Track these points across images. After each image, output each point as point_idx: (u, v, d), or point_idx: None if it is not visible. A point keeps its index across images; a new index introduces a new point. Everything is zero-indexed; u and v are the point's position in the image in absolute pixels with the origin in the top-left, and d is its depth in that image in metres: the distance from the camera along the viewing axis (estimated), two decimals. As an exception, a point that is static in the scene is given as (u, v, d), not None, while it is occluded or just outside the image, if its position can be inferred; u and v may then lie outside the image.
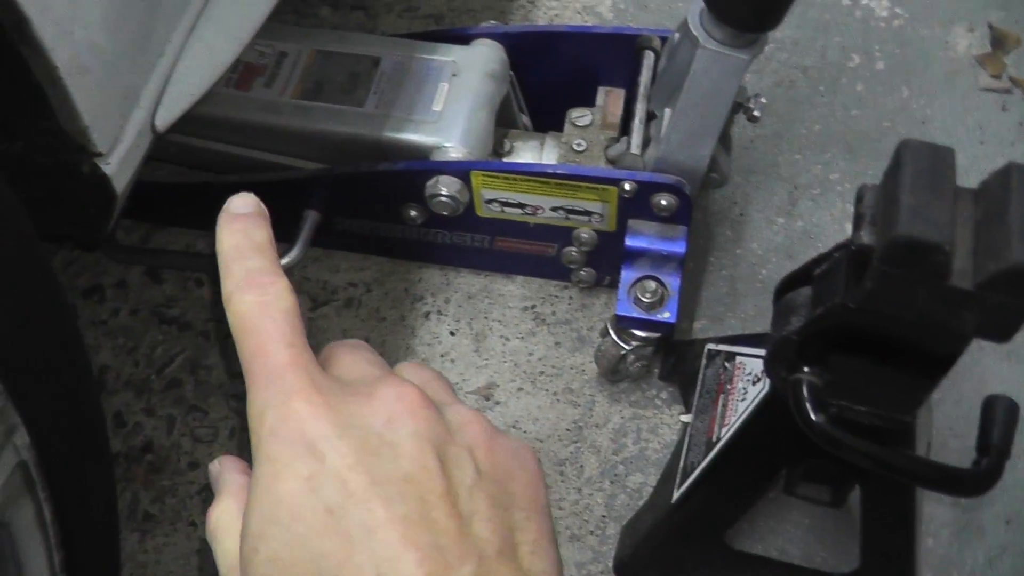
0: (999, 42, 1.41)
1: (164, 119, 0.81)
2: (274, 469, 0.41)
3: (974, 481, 0.72)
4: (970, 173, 0.62)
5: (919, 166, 0.60)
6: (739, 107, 0.99)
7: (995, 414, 0.73)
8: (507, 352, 1.11)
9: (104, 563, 0.80)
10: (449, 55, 1.08)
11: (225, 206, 0.49)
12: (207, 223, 1.18)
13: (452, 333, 1.13)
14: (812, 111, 1.30)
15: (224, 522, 0.44)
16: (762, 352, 0.76)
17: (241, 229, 0.47)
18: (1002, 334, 0.62)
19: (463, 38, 1.11)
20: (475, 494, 0.42)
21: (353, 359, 0.48)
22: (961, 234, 0.60)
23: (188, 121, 1.04)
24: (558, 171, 0.98)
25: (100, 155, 0.75)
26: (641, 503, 1.00)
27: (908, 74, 1.36)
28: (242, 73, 1.09)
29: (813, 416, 0.70)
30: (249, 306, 0.45)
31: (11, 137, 0.75)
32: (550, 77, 1.13)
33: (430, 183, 1.00)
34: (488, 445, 0.44)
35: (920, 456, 0.76)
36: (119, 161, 0.76)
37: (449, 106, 1.04)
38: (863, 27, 1.40)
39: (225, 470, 0.48)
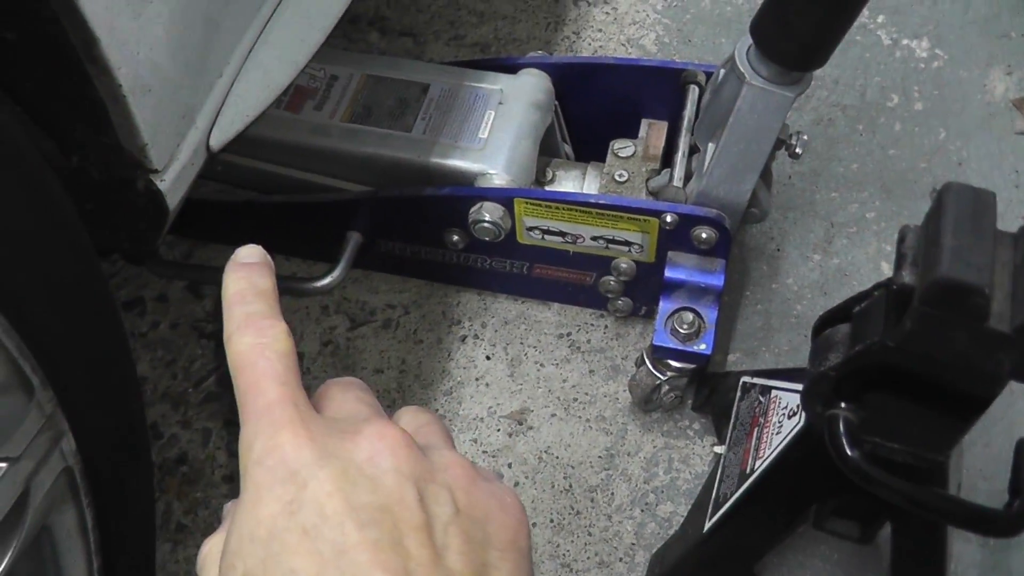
0: (1037, 87, 1.42)
1: (218, 139, 0.83)
2: (257, 494, 0.42)
3: (1006, 522, 0.73)
4: (1005, 217, 0.63)
5: (961, 209, 0.61)
6: (781, 143, 1.00)
7: (1029, 456, 0.73)
8: (541, 378, 1.12)
9: (139, 571, 0.82)
10: (496, 84, 1.11)
11: (233, 255, 0.52)
12: (250, 241, 1.20)
13: (488, 357, 1.14)
14: (850, 149, 1.31)
15: (213, 552, 0.46)
16: (798, 387, 0.77)
17: (246, 276, 0.50)
18: (1038, 377, 0.63)
19: (510, 67, 1.13)
20: (451, 529, 0.43)
21: (344, 398, 0.49)
22: (1000, 277, 0.61)
23: (238, 140, 1.08)
24: (600, 201, 0.99)
25: (155, 172, 0.77)
26: (671, 532, 1.01)
27: (945, 115, 1.36)
28: (293, 96, 1.11)
29: (848, 451, 0.71)
30: (247, 346, 0.47)
31: (67, 152, 0.77)
32: (594, 108, 1.15)
33: (474, 209, 1.02)
34: (469, 486, 0.45)
35: (952, 495, 0.76)
36: (173, 178, 0.78)
37: (494, 134, 1.06)
38: (903, 67, 1.41)
39: (231, 507, 0.49)
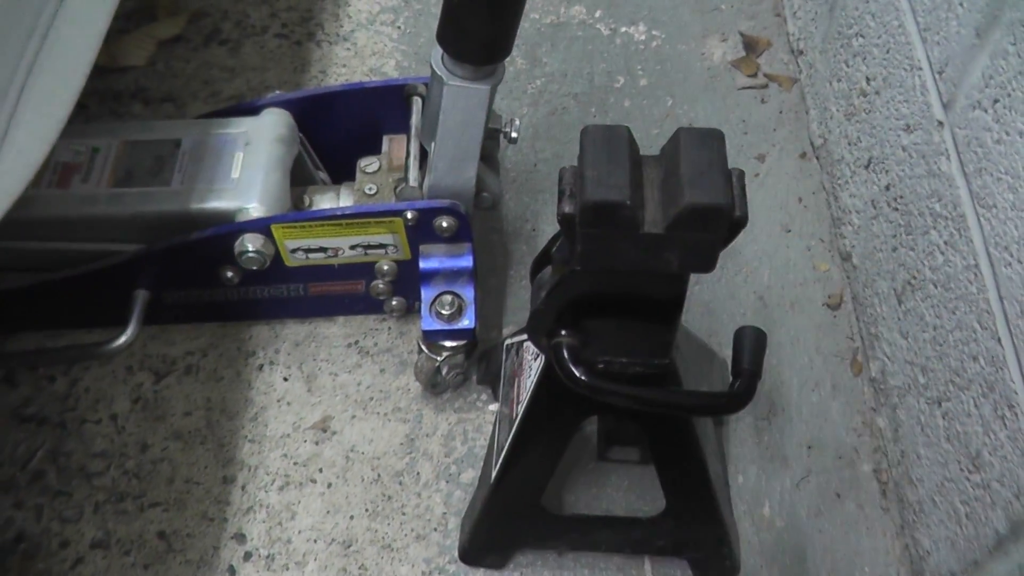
0: (751, 47, 1.58)
1: None
2: None
3: (731, 400, 0.85)
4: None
5: (598, 144, 0.73)
6: (496, 132, 1.11)
7: (744, 342, 0.85)
8: (337, 386, 1.21)
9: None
10: (241, 127, 1.19)
11: None
12: (51, 321, 1.23)
13: (285, 379, 1.22)
14: (586, 131, 1.44)
15: None
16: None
17: None
18: (705, 265, 0.75)
19: (252, 110, 1.22)
20: None
21: None
22: (650, 193, 0.74)
23: (17, 225, 1.14)
24: (346, 212, 1.09)
25: None
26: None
27: (670, 85, 1.51)
28: (61, 173, 1.17)
29: (574, 371, 0.82)
30: None
31: None
32: (338, 133, 1.25)
33: (237, 243, 1.11)
34: None
35: (678, 389, 0.88)
36: None
37: (245, 172, 1.15)
38: (624, 51, 1.55)
39: None
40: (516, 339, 1.05)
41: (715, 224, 0.71)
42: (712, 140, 0.74)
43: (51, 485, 1.17)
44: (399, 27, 1.60)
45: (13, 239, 1.17)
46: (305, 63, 1.55)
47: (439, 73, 1.01)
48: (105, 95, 1.52)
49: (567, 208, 0.73)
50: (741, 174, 0.74)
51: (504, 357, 1.07)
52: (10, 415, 1.23)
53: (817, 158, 1.41)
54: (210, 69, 1.55)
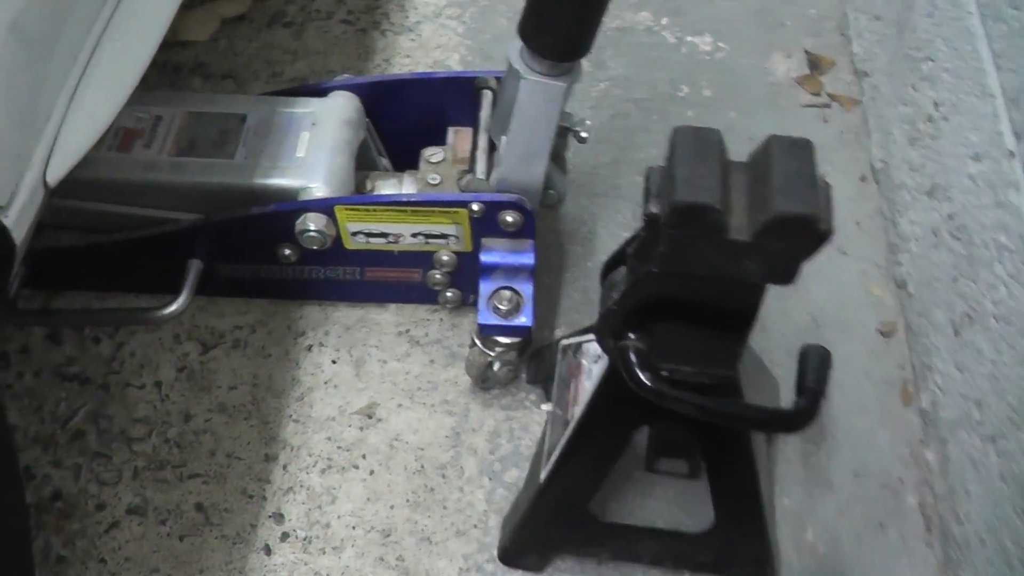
0: (815, 65, 1.56)
1: (54, 175, 0.88)
2: None
3: (793, 418, 0.83)
4: None
5: (688, 146, 0.72)
6: (567, 131, 1.11)
7: (810, 361, 0.84)
8: (385, 374, 1.21)
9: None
10: (308, 107, 1.19)
11: None
12: (101, 283, 1.23)
13: (334, 362, 1.22)
14: (647, 137, 1.44)
15: None
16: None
17: None
18: (785, 277, 0.74)
19: (321, 91, 1.22)
20: None
21: None
22: (736, 198, 0.72)
23: (78, 185, 1.13)
24: (412, 199, 1.09)
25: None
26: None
27: (733, 99, 1.50)
28: (123, 137, 1.18)
29: (640, 375, 0.81)
30: None
31: None
32: (404, 121, 1.24)
33: (299, 221, 1.10)
34: None
35: (741, 401, 0.87)
36: (17, 214, 0.83)
37: (311, 152, 1.14)
38: (688, 61, 1.55)
39: None
40: (573, 340, 1.04)
41: (802, 235, 0.70)
42: (802, 150, 0.73)
43: (90, 446, 1.17)
44: (464, 22, 1.59)
45: (72, 198, 1.17)
46: (369, 51, 1.55)
47: (516, 67, 1.00)
48: (165, 67, 1.53)
49: (653, 208, 0.72)
50: (828, 186, 0.73)
51: (559, 358, 1.07)
52: (53, 372, 1.23)
53: (876, 182, 1.40)
54: (272, 50, 1.55)
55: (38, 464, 1.16)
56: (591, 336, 1.00)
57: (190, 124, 1.19)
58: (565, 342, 1.07)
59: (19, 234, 0.84)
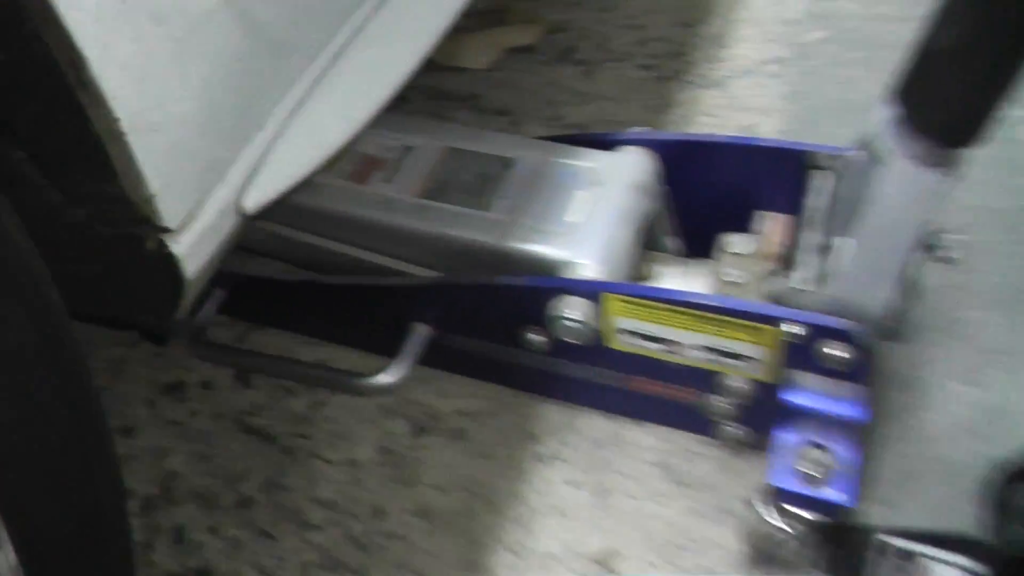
0: None
1: (255, 200, 0.73)
2: None
3: None
4: None
5: None
6: (926, 247, 0.83)
7: None
8: (633, 514, 0.96)
9: None
10: (591, 161, 1.02)
11: None
12: (307, 327, 1.09)
13: (569, 483, 0.99)
14: (1002, 261, 1.14)
15: None
16: (957, 559, 0.59)
17: None
18: None
19: (608, 143, 1.04)
20: None
21: None
22: None
23: (291, 210, 1.03)
24: (711, 303, 0.84)
25: (167, 231, 0.65)
26: None
27: None
28: (361, 165, 1.05)
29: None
30: None
31: (74, 203, 0.66)
32: (702, 195, 1.03)
33: (554, 303, 0.90)
34: None
35: None
36: (192, 241, 0.67)
37: (585, 218, 0.96)
38: (1063, 170, 1.24)
39: None
40: (899, 543, 0.76)
41: None
42: None
43: (257, 520, 1.01)
44: (787, 82, 1.37)
45: (288, 225, 1.05)
46: (666, 103, 1.36)
47: (884, 144, 0.74)
48: (431, 93, 1.42)
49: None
50: None
51: (872, 556, 0.78)
52: (234, 419, 1.09)
53: None
54: (557, 89, 1.41)
55: (192, 525, 1.00)
56: (933, 551, 0.72)
57: (445, 162, 1.04)
58: (883, 538, 0.78)
59: (193, 266, 0.68)
